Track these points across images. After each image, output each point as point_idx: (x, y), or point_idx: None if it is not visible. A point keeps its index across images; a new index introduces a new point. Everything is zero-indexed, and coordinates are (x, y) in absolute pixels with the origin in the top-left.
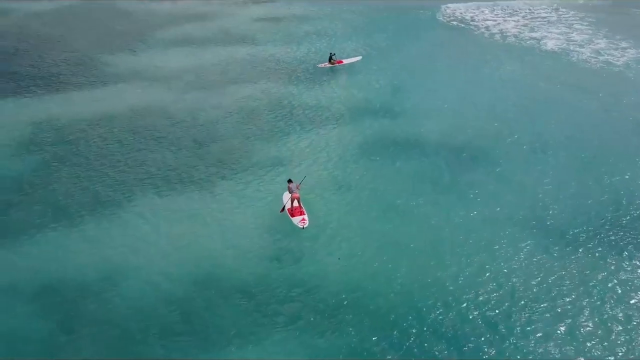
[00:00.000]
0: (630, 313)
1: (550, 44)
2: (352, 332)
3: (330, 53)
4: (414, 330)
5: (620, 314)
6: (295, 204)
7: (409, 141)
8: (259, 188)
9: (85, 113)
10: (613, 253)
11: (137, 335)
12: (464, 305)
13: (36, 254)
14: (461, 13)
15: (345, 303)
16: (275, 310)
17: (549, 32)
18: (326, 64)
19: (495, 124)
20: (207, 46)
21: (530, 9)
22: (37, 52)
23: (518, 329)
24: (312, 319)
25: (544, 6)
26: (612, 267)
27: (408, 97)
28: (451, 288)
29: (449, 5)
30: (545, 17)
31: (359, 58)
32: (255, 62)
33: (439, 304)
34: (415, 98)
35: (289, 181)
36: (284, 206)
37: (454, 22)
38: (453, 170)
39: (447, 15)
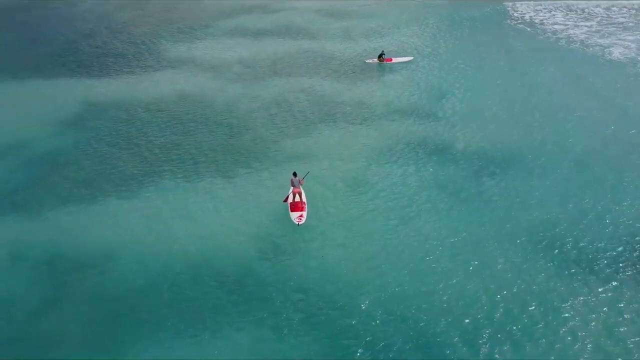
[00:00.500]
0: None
1: (617, 53)
2: (325, 332)
3: (382, 51)
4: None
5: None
6: (297, 198)
7: (440, 147)
8: (278, 179)
9: (133, 96)
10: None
11: (125, 311)
12: (461, 319)
13: (53, 224)
14: (531, 16)
15: (322, 304)
16: (252, 301)
17: (620, 40)
18: (375, 59)
19: (537, 136)
20: (263, 38)
21: (607, 14)
22: (102, 36)
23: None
24: (286, 315)
25: (624, 11)
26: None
27: (451, 101)
28: (445, 298)
29: (522, 5)
30: (621, 23)
31: (410, 58)
32: (306, 55)
33: (429, 313)
34: (459, 103)
35: (294, 174)
36: (287, 196)
37: (520, 25)
38: (477, 180)
39: (515, 18)
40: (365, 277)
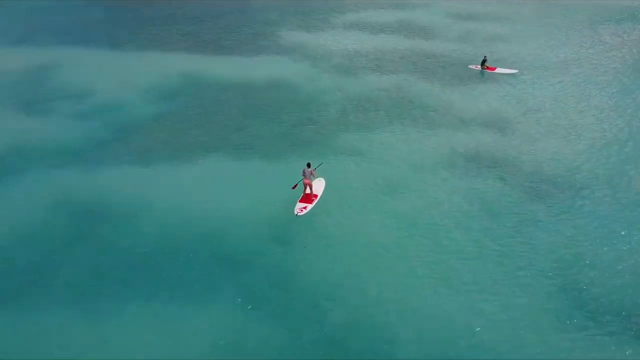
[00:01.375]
0: None
1: None
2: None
3: (484, 56)
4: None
5: None
6: (308, 190)
7: (505, 163)
8: (323, 170)
9: (232, 76)
10: None
11: (125, 267)
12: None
13: (102, 180)
14: None
15: (299, 298)
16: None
17: None
18: (477, 66)
19: (622, 167)
20: (379, 33)
21: None
22: (229, 18)
23: None
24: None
25: None
26: None
27: (539, 120)
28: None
29: None
30: None
31: (514, 70)
32: (413, 54)
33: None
34: (546, 123)
35: (307, 165)
36: (296, 185)
37: None
38: (528, 203)
39: None
40: (349, 284)
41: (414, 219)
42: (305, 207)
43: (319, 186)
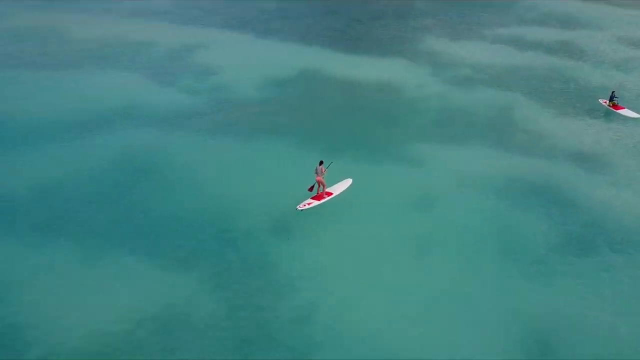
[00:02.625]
0: None
1: None
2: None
3: (613, 91)
4: None
5: None
6: (321, 189)
7: (574, 204)
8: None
9: (343, 74)
10: None
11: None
12: None
13: (175, 145)
14: None
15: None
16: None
17: None
18: (606, 100)
19: None
20: (525, 50)
21: None
22: (381, 22)
23: None
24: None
25: None
26: None
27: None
28: None
29: None
30: None
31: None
32: (545, 76)
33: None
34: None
35: (320, 163)
36: (312, 185)
37: None
38: (576, 250)
39: None
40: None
41: (420, 242)
42: (310, 203)
43: (340, 186)
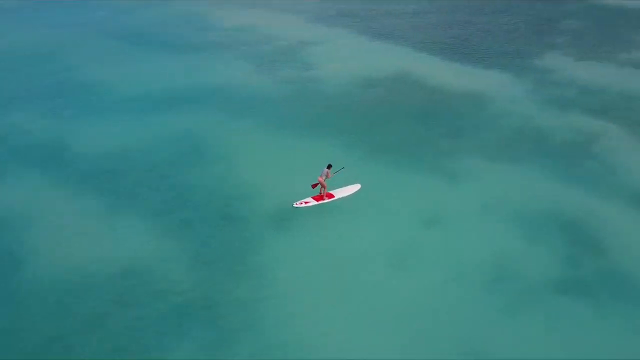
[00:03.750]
0: None
1: None
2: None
3: None
4: None
5: None
6: (322, 190)
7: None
8: (380, 181)
9: (434, 82)
10: None
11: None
12: None
13: (225, 127)
14: None
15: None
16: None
17: None
18: None
19: None
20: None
21: None
22: (495, 36)
23: None
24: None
25: None
26: None
27: None
28: None
29: None
30: None
31: None
32: None
33: None
34: None
35: (328, 166)
36: (317, 183)
37: None
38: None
39: None
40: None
41: (403, 258)
42: (307, 202)
43: (346, 190)
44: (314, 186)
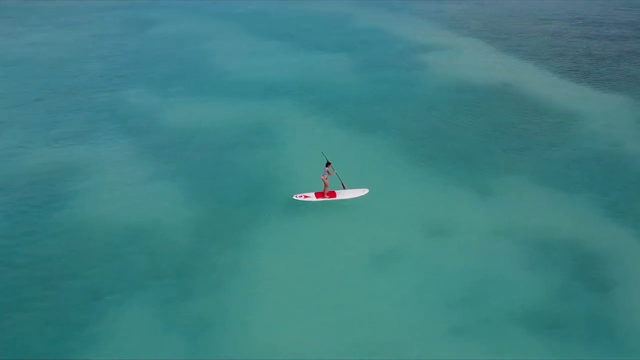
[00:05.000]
0: None
1: None
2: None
3: None
4: None
5: None
6: (324, 187)
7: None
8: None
9: (541, 99)
10: None
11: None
12: None
13: (282, 116)
14: None
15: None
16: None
17: None
18: None
19: None
20: None
21: None
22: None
23: None
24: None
25: None
26: None
27: None
28: None
29: None
30: None
31: None
32: None
33: None
34: None
35: (327, 164)
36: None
37: None
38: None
39: None
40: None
41: (387, 272)
42: (307, 196)
43: (351, 192)
44: (343, 187)
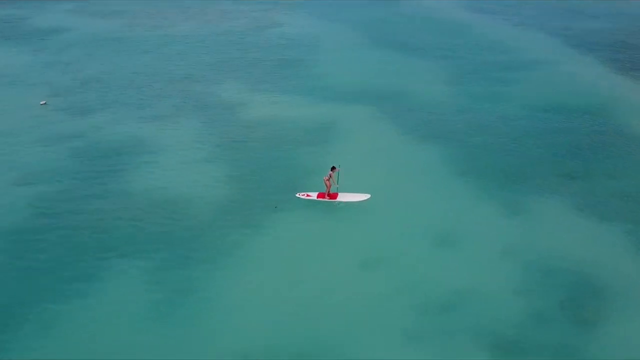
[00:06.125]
0: None
1: None
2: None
3: None
4: None
5: None
6: (328, 189)
7: None
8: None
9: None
10: None
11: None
12: None
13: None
14: None
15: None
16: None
17: None
18: None
19: None
20: None
21: None
22: None
23: None
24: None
25: None
26: None
27: None
28: None
29: None
30: None
31: None
32: None
33: None
34: None
35: (332, 168)
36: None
37: None
38: None
39: None
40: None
41: (371, 282)
42: (309, 195)
43: (353, 196)
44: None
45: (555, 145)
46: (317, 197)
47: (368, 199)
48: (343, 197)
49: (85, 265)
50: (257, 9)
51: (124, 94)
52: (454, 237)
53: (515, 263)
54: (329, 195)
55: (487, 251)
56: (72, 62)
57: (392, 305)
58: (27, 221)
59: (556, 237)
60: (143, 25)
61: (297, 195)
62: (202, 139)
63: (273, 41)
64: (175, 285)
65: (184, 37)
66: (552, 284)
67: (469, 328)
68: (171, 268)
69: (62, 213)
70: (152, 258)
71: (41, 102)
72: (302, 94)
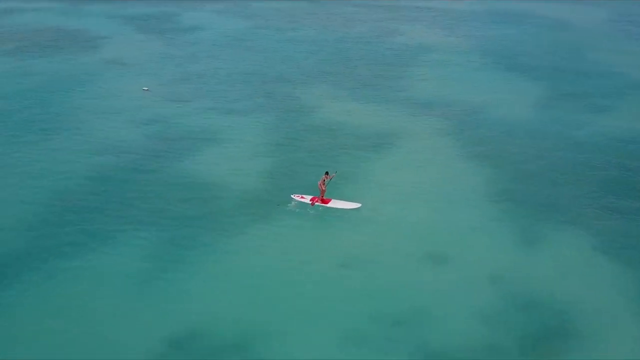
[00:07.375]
0: None
1: None
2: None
3: None
4: None
5: None
6: (321, 193)
7: None
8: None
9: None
10: None
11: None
12: None
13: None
14: None
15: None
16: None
17: None
18: None
19: None
20: None
21: None
22: None
23: None
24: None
25: None
26: None
27: None
28: None
29: None
30: None
31: None
32: None
33: None
34: None
35: (326, 173)
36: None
37: None
38: None
39: None
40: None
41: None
42: (303, 197)
43: (344, 204)
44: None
45: (612, 183)
46: (311, 200)
47: (358, 207)
48: (335, 204)
49: (99, 229)
50: (382, 17)
51: (217, 88)
52: (444, 255)
53: (500, 289)
54: (321, 199)
55: (475, 273)
56: (191, 57)
57: (345, 309)
58: (80, 185)
59: (557, 274)
60: (270, 28)
61: (292, 196)
62: (264, 136)
63: (383, 52)
64: (168, 257)
65: (299, 41)
66: (523, 319)
67: (412, 343)
68: (170, 244)
69: (113, 180)
70: (157, 232)
71: (144, 89)
72: (380, 103)
